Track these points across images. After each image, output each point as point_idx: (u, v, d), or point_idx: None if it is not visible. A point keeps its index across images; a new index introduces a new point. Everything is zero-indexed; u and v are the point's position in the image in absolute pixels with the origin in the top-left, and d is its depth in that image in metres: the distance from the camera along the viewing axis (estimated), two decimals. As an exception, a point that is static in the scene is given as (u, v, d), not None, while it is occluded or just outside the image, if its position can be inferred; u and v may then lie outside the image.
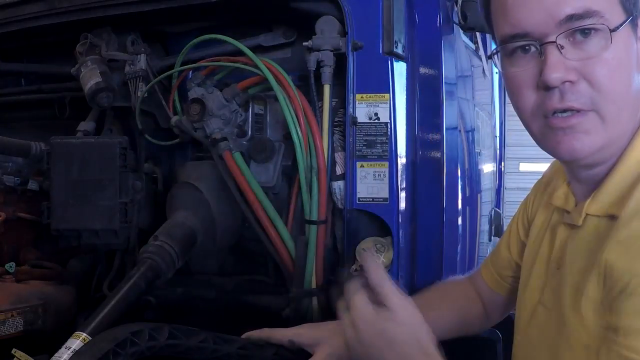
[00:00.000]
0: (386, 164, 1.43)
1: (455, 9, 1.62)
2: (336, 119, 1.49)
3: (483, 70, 2.13)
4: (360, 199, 1.44)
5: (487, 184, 2.35)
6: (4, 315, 1.34)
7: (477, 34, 1.97)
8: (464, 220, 1.64)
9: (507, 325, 1.44)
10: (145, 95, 1.58)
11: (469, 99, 1.81)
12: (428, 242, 1.51)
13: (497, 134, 2.81)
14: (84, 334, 1.11)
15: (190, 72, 1.61)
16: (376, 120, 1.43)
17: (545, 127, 0.93)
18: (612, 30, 0.87)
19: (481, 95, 2.22)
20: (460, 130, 1.65)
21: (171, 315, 1.59)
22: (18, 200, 1.65)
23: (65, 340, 1.10)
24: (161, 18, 1.64)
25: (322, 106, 1.46)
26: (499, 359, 1.51)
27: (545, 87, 0.89)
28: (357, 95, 1.43)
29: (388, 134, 1.43)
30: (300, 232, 1.46)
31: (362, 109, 1.44)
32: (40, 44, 1.85)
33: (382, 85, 1.43)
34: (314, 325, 1.25)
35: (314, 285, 1.44)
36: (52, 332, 1.46)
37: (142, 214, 1.61)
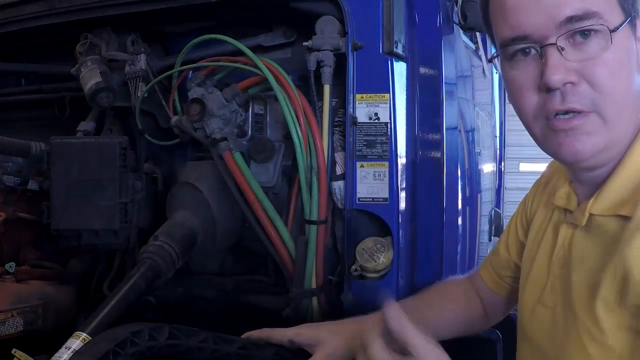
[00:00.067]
0: (386, 164, 1.43)
1: (455, 9, 1.62)
2: (336, 119, 1.49)
3: (483, 70, 2.13)
4: (360, 199, 1.44)
5: (487, 184, 2.35)
6: (4, 315, 1.34)
7: (477, 34, 1.97)
8: (464, 220, 1.64)
9: (507, 325, 1.44)
10: (145, 95, 1.58)
11: (469, 99, 1.81)
12: (428, 242, 1.51)
13: (497, 134, 2.81)
14: (84, 334, 1.11)
15: (190, 72, 1.61)
16: (376, 120, 1.43)
17: (546, 129, 0.93)
18: (612, 31, 0.87)
19: (481, 95, 2.22)
20: (460, 130, 1.65)
21: (171, 315, 1.59)
22: (18, 200, 1.65)
23: (65, 340, 1.10)
24: (161, 18, 1.64)
25: (322, 106, 1.46)
26: (499, 359, 1.51)
27: (546, 89, 0.89)
28: (357, 95, 1.43)
29: (388, 134, 1.43)
30: (300, 232, 1.46)
31: (362, 109, 1.44)
32: (40, 44, 1.85)
33: (382, 85, 1.43)
34: (314, 325, 1.25)
35: (314, 285, 1.44)
36: (52, 332, 1.46)
37: (142, 214, 1.61)
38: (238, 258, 1.71)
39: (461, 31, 1.70)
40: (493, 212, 2.42)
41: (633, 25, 0.92)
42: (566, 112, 0.89)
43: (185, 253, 1.46)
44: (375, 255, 1.42)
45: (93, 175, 1.48)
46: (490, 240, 2.25)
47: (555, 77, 0.87)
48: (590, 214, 0.96)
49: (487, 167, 2.35)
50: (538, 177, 1.29)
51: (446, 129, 1.53)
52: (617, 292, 0.87)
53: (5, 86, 1.95)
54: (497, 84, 2.70)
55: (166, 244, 1.40)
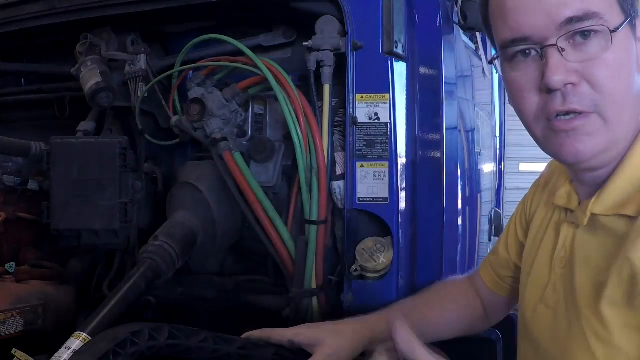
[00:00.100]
0: (386, 164, 1.43)
1: (455, 9, 1.62)
2: (336, 119, 1.49)
3: (483, 70, 2.13)
4: (360, 199, 1.44)
5: (487, 184, 2.35)
6: (4, 315, 1.34)
7: (477, 34, 1.97)
8: (464, 220, 1.64)
9: (507, 325, 1.44)
10: (145, 95, 1.58)
11: (469, 99, 1.81)
12: (428, 242, 1.51)
13: (497, 134, 2.81)
14: (84, 334, 1.11)
15: (190, 72, 1.61)
16: (376, 120, 1.43)
17: (547, 130, 0.93)
18: (612, 31, 0.87)
19: (481, 95, 2.22)
20: (460, 130, 1.65)
21: (171, 315, 1.59)
22: (18, 200, 1.65)
23: (65, 340, 1.10)
24: (161, 18, 1.64)
25: (322, 106, 1.46)
26: (499, 359, 1.51)
27: (547, 90, 0.90)
28: (357, 95, 1.43)
29: (388, 134, 1.43)
30: (300, 232, 1.46)
31: (362, 109, 1.44)
32: (40, 44, 1.85)
33: (382, 85, 1.43)
34: (314, 325, 1.25)
35: (314, 285, 1.44)
36: (52, 332, 1.46)
37: (142, 214, 1.61)
38: (238, 258, 1.71)
39: (461, 31, 1.70)
40: (493, 212, 2.42)
41: (633, 25, 0.92)
42: (567, 113, 0.89)
43: (185, 253, 1.46)
44: (375, 255, 1.42)
45: (93, 175, 1.48)
46: (490, 240, 2.25)
47: (556, 78, 0.87)
48: (592, 214, 0.96)
49: (487, 167, 2.35)
50: (538, 177, 1.29)
51: (446, 129, 1.53)
52: (624, 291, 0.87)
53: (5, 86, 1.95)
54: (497, 84, 2.70)
55: (166, 244, 1.40)
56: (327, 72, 1.43)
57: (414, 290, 1.44)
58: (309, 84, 1.45)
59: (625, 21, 0.89)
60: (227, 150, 1.47)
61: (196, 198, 1.55)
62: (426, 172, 1.51)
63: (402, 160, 1.45)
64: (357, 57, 1.42)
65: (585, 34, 0.87)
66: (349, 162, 1.44)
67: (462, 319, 1.34)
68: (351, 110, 1.43)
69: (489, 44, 2.15)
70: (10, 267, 1.53)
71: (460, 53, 1.72)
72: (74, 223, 1.49)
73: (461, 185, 1.61)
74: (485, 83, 2.36)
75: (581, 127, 0.89)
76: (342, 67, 1.44)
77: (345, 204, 1.44)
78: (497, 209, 2.57)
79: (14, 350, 1.15)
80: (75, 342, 1.09)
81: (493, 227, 2.36)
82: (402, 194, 1.45)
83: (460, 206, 1.61)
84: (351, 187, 1.44)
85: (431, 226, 1.51)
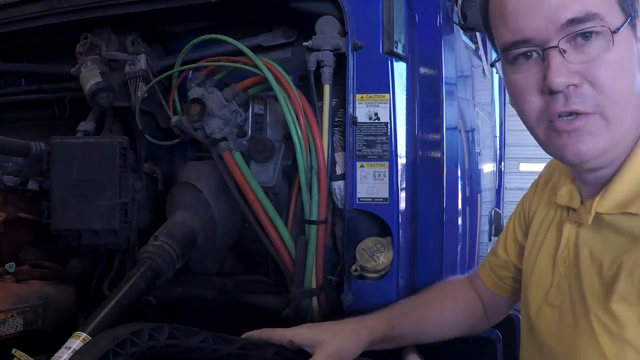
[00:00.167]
0: (386, 164, 1.43)
1: (455, 9, 1.62)
2: (336, 119, 1.49)
3: (483, 70, 2.13)
4: (360, 199, 1.44)
5: (487, 184, 2.35)
6: (4, 315, 1.35)
7: (477, 34, 1.97)
8: (464, 220, 1.64)
9: (507, 325, 1.44)
10: (145, 95, 1.58)
11: (469, 99, 1.81)
12: (428, 242, 1.51)
13: (497, 134, 2.81)
14: (84, 334, 1.11)
15: (190, 72, 1.61)
16: (376, 120, 1.43)
17: (550, 131, 0.93)
18: (613, 32, 0.87)
19: (481, 95, 2.22)
20: (460, 130, 1.65)
21: (171, 315, 1.59)
22: (18, 200, 1.65)
23: (65, 340, 1.10)
24: (161, 18, 1.64)
25: (322, 106, 1.46)
26: (499, 359, 1.51)
27: (549, 92, 0.90)
28: (357, 95, 1.43)
29: (388, 134, 1.43)
30: (300, 232, 1.46)
31: (362, 109, 1.44)
32: (40, 44, 1.85)
33: (382, 85, 1.43)
34: (314, 326, 1.25)
35: (314, 285, 1.44)
36: (52, 332, 1.46)
37: (142, 214, 1.61)
38: (238, 258, 1.71)
39: (461, 31, 1.70)
40: (493, 212, 2.43)
41: (633, 25, 0.92)
42: (569, 114, 0.90)
43: (186, 253, 1.46)
44: (375, 255, 1.42)
45: (93, 175, 1.48)
46: (490, 240, 2.25)
47: (558, 80, 0.88)
48: (596, 213, 0.96)
49: (487, 167, 2.35)
50: (536, 178, 1.29)
51: (446, 129, 1.53)
52: (637, 289, 0.88)
53: (5, 86, 1.95)
54: (497, 84, 2.70)
55: (166, 244, 1.40)
56: (327, 72, 1.43)
57: (414, 290, 1.44)
58: (309, 84, 1.45)
59: (626, 21, 0.89)
60: (227, 150, 1.47)
61: (196, 198, 1.55)
62: (426, 172, 1.51)
63: (402, 160, 1.45)
64: (357, 57, 1.42)
65: (586, 35, 0.88)
66: (349, 162, 1.44)
67: (462, 319, 1.34)
68: (351, 110, 1.43)
69: (489, 44, 2.15)
70: (10, 267, 1.53)
71: (460, 53, 1.72)
72: (74, 223, 1.49)
73: (461, 185, 1.61)
74: (485, 83, 2.36)
75: (583, 127, 0.90)
76: (342, 67, 1.44)
77: (345, 204, 1.44)
78: (497, 209, 2.57)
79: (14, 350, 1.15)
80: (75, 342, 1.09)
81: (493, 227, 2.36)
82: (402, 194, 1.45)
83: (460, 206, 1.61)
84: (351, 187, 1.44)
85: (431, 226, 1.51)
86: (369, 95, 1.43)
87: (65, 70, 1.67)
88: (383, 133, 1.43)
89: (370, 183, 1.43)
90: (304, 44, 1.44)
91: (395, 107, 1.44)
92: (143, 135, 1.64)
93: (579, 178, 1.02)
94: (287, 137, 1.49)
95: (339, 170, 1.47)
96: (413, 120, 1.49)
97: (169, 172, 1.75)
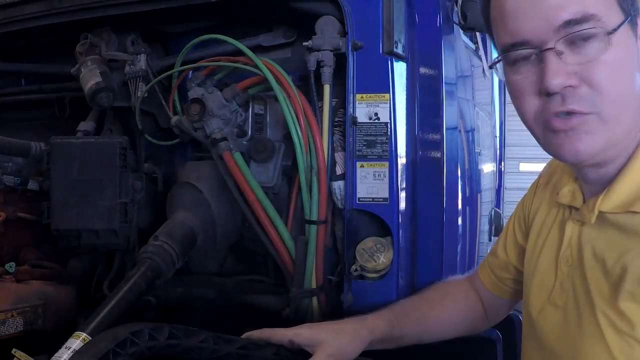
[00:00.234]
0: (386, 164, 1.43)
1: (455, 9, 1.62)
2: (336, 119, 1.49)
3: (483, 70, 2.13)
4: (360, 199, 1.44)
5: (487, 184, 2.35)
6: (4, 315, 1.34)
7: (477, 34, 1.97)
8: (464, 220, 1.64)
9: (507, 325, 1.44)
10: (145, 95, 1.58)
11: (469, 99, 1.81)
12: (428, 242, 1.51)
13: (497, 134, 2.81)
14: (84, 334, 1.11)
15: (190, 72, 1.61)
16: (376, 120, 1.43)
17: (547, 131, 0.93)
18: (609, 33, 0.87)
19: (481, 95, 2.22)
20: (460, 130, 1.65)
21: (171, 315, 1.59)
22: (18, 200, 1.65)
23: (65, 340, 1.10)
24: (161, 18, 1.64)
25: (322, 106, 1.46)
26: (499, 359, 1.51)
27: (546, 93, 0.90)
28: (357, 95, 1.43)
29: (388, 134, 1.43)
30: (300, 232, 1.46)
31: (362, 109, 1.44)
32: (40, 44, 1.85)
33: (382, 85, 1.43)
34: (314, 325, 1.25)
35: (314, 285, 1.44)
36: (52, 332, 1.46)
37: (142, 214, 1.61)
38: (238, 258, 1.71)
39: (461, 31, 1.70)
40: (493, 212, 2.43)
41: (633, 24, 0.92)
42: (566, 113, 0.90)
43: (186, 253, 1.46)
44: (375, 255, 1.42)
45: (93, 175, 1.48)
46: (490, 240, 2.25)
47: (554, 81, 0.88)
48: (600, 211, 0.96)
49: (487, 167, 2.35)
50: (536, 178, 1.29)
51: (446, 129, 1.53)
52: None
53: (5, 86, 1.95)
54: (497, 84, 2.70)
55: (166, 244, 1.40)
56: (327, 72, 1.43)
57: (414, 290, 1.44)
58: (309, 84, 1.45)
59: (625, 21, 0.89)
60: (227, 150, 1.47)
61: (196, 198, 1.55)
62: (426, 172, 1.51)
63: (402, 160, 1.45)
64: (357, 57, 1.42)
65: (584, 36, 0.88)
66: (349, 162, 1.44)
67: (462, 319, 1.34)
68: (351, 110, 1.43)
69: (489, 44, 2.15)
70: (10, 267, 1.53)
71: (460, 53, 1.72)
72: (74, 223, 1.49)
73: (461, 185, 1.61)
74: (485, 83, 2.36)
75: (579, 126, 0.90)
76: (342, 67, 1.44)
77: (345, 204, 1.44)
78: (497, 209, 2.57)
79: (14, 350, 1.15)
80: (75, 342, 1.09)
81: (493, 227, 2.36)
82: (402, 194, 1.45)
83: (460, 206, 1.61)
84: (351, 187, 1.44)
85: (431, 226, 1.51)
86: (369, 95, 1.43)
87: (65, 70, 1.67)
88: (383, 133, 1.43)
89: (370, 183, 1.43)
90: (304, 44, 1.44)
91: (395, 107, 1.44)
92: (143, 135, 1.64)
93: (582, 177, 1.02)
94: (287, 137, 1.49)
95: (339, 170, 1.47)
96: (413, 120, 1.49)
97: (169, 172, 1.75)
